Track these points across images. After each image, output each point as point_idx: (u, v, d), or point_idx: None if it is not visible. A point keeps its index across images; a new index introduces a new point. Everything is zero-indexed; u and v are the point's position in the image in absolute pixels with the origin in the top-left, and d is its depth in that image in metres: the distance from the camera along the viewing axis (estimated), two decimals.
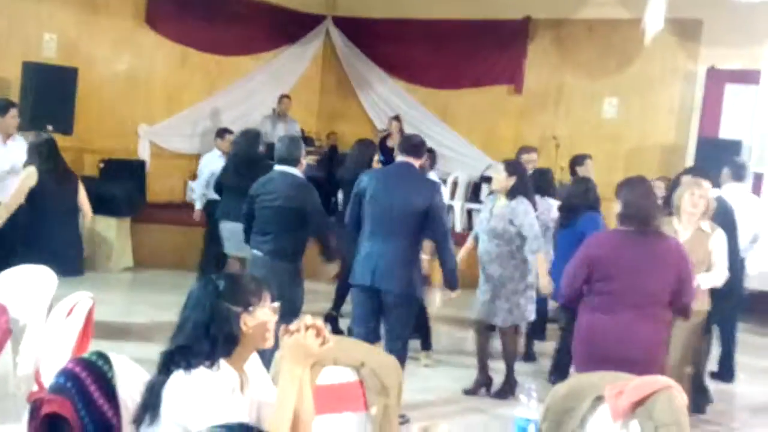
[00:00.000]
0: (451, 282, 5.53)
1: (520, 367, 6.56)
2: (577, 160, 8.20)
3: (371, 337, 5.32)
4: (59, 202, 6.22)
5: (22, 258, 5.90)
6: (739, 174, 7.21)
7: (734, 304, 6.83)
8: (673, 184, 8.14)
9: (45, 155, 6.26)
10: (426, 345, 6.95)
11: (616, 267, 4.34)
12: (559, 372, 6.44)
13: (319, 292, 7.86)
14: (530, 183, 6.30)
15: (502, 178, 6.05)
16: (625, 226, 4.44)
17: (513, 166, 6.15)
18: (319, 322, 2.47)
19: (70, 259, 6.28)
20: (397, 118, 11.76)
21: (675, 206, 5.38)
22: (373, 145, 7.94)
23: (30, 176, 6.10)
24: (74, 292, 3.69)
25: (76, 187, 6.42)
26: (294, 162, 5.63)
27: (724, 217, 5.95)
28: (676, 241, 4.64)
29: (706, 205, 5.31)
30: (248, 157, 7.17)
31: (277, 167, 5.66)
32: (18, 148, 6.96)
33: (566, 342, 6.48)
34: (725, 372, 7.10)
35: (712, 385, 6.58)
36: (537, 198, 6.71)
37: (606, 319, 4.33)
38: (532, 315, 6.27)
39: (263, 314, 2.53)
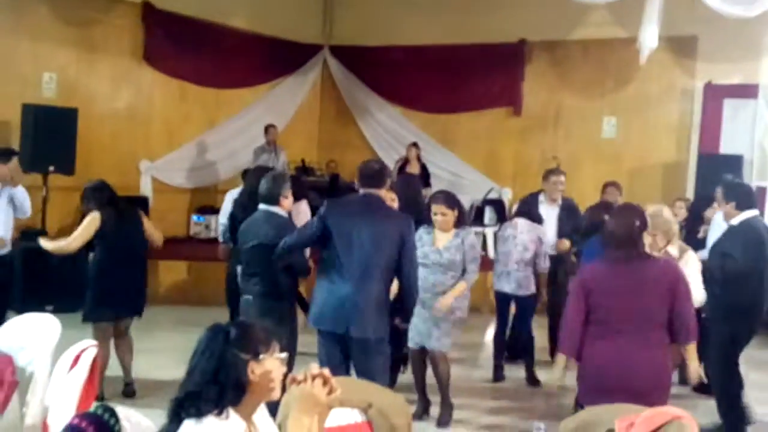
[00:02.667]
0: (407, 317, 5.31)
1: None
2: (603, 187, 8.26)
3: None
4: (123, 245, 6.25)
5: (95, 301, 6.09)
6: (731, 195, 7.24)
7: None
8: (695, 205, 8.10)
9: (105, 200, 6.27)
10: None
11: (608, 294, 4.31)
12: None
13: None
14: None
15: (449, 218, 5.98)
16: (611, 252, 4.43)
17: (452, 200, 6.07)
18: (326, 371, 2.46)
19: (133, 299, 6.41)
20: (415, 144, 11.83)
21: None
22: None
23: (93, 220, 6.15)
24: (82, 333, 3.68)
25: (139, 225, 6.41)
26: (273, 200, 5.54)
27: (748, 236, 5.91)
28: (667, 261, 4.62)
29: (666, 233, 5.28)
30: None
31: (260, 206, 5.61)
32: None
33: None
34: None
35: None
36: (521, 219, 6.89)
37: (606, 348, 4.28)
38: None
39: (271, 363, 2.52)
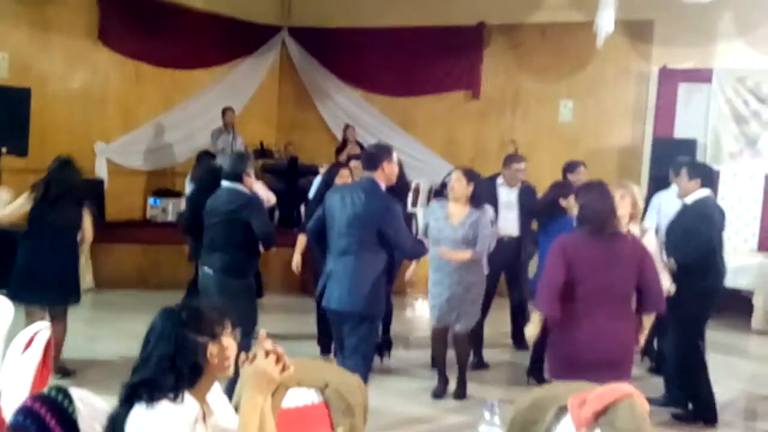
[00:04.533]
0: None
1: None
2: (569, 167, 8.16)
3: None
4: (51, 228, 6.19)
5: (18, 286, 6.00)
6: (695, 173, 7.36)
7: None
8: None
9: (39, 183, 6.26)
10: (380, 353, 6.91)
11: (581, 269, 4.43)
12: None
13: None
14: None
15: (462, 186, 6.06)
16: (583, 228, 4.53)
17: (471, 174, 6.17)
18: (279, 348, 2.46)
19: (65, 286, 6.31)
20: (350, 126, 11.88)
21: None
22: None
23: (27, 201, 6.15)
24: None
25: (73, 211, 6.32)
26: (236, 177, 5.66)
27: (705, 217, 6.00)
28: (633, 238, 4.78)
29: (633, 207, 5.40)
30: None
31: (224, 183, 5.72)
32: None
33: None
34: None
35: None
36: None
37: (578, 323, 4.41)
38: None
39: (226, 342, 2.51)
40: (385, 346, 7.09)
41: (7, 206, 6.24)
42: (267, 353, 2.43)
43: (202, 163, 8.82)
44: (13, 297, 6.06)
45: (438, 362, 6.51)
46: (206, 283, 5.69)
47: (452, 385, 6.43)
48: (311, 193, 8.24)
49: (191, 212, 6.59)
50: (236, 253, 5.59)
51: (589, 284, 4.40)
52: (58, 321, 6.27)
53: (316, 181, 8.26)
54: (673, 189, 7.23)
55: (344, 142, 11.82)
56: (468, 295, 6.14)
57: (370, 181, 5.24)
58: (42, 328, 3.54)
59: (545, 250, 6.48)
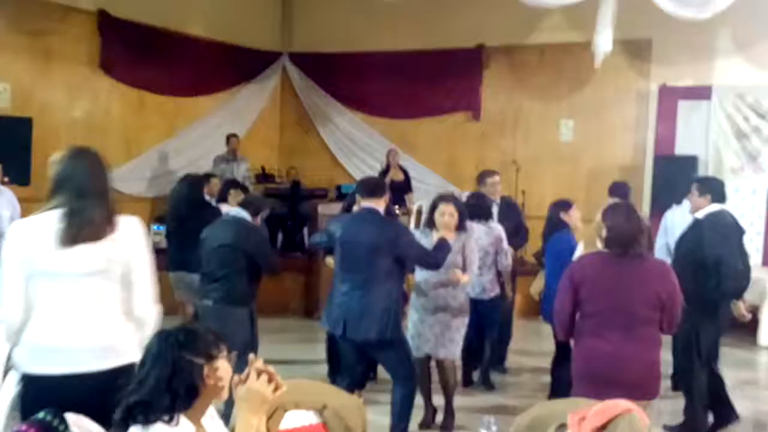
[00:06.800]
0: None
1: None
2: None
3: (356, 381, 5.38)
4: None
5: None
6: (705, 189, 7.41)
7: None
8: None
9: None
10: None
11: (599, 289, 4.39)
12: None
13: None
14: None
15: (455, 219, 5.88)
16: (609, 249, 4.49)
17: (459, 204, 6.07)
18: (270, 367, 2.45)
19: None
20: (391, 150, 11.90)
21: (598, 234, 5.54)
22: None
23: None
24: None
25: None
26: (253, 212, 5.79)
27: (717, 229, 5.99)
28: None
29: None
30: (189, 202, 7.18)
31: (233, 211, 5.85)
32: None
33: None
34: None
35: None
36: (475, 224, 6.57)
37: (595, 342, 4.37)
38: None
39: (221, 364, 2.51)
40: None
41: None
42: (259, 373, 2.43)
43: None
44: None
45: (423, 392, 6.16)
46: (205, 314, 5.66)
47: (441, 415, 6.28)
48: None
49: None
50: (234, 282, 5.58)
51: (605, 304, 4.35)
52: None
53: None
54: (682, 206, 7.25)
55: (387, 167, 11.78)
56: (453, 321, 5.97)
57: (373, 210, 5.34)
58: None
59: (551, 265, 6.53)
